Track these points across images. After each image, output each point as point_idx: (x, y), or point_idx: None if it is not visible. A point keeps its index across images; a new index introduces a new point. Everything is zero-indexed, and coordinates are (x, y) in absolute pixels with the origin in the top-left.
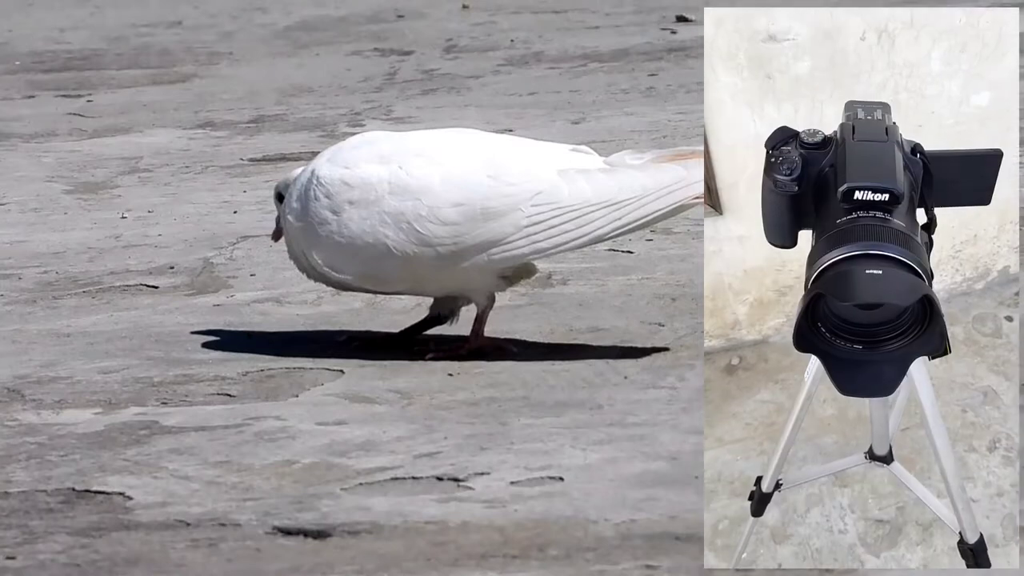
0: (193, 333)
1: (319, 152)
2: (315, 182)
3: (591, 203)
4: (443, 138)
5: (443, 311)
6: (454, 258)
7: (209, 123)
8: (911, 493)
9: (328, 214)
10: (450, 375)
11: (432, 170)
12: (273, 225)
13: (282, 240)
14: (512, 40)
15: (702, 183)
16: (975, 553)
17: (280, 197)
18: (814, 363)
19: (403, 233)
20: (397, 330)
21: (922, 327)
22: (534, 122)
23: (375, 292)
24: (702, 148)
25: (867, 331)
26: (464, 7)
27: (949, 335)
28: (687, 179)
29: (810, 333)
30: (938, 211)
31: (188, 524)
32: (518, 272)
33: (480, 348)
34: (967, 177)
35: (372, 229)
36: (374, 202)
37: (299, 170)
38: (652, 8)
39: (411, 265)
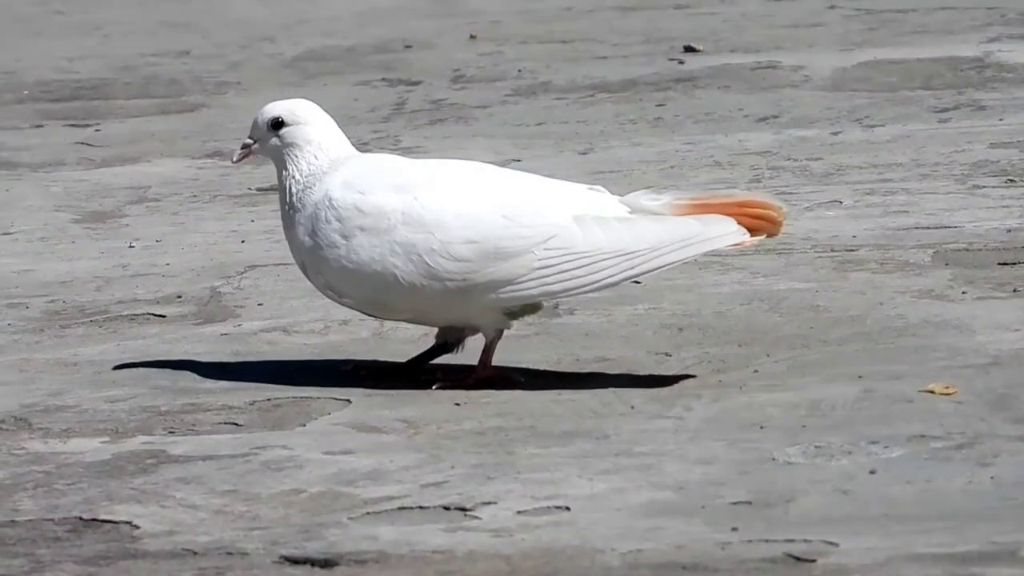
0: (200, 362)
1: None
2: (328, 204)
3: (604, 252)
4: (461, 172)
5: (450, 340)
6: (462, 294)
7: (217, 152)
8: None
9: (338, 237)
10: (457, 405)
11: (447, 205)
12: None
13: (289, 258)
14: (519, 70)
15: (718, 239)
16: None
17: (277, 123)
18: None
19: (412, 265)
20: (404, 359)
21: None
22: (541, 152)
23: (376, 317)
24: (723, 198)
25: None
26: (472, 37)
27: None
28: (703, 235)
29: None
30: None
31: (195, 553)
32: (524, 308)
33: (487, 378)
34: None
35: (381, 257)
36: (386, 231)
37: (304, 101)
38: (660, 39)
39: (417, 296)
